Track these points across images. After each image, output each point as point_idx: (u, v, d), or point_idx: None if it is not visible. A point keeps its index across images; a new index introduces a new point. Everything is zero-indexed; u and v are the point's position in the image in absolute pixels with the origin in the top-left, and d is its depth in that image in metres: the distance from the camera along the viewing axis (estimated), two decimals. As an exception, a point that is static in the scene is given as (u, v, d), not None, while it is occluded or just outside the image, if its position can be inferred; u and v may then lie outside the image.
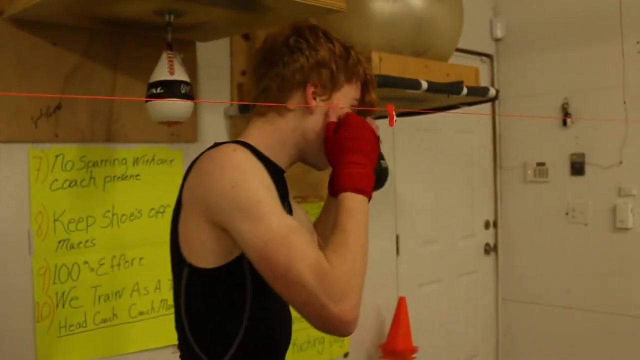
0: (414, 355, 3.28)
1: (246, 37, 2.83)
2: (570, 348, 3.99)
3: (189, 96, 2.02)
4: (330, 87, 1.48)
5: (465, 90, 2.49)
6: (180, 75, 2.01)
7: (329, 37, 1.51)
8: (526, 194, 4.16)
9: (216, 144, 1.42)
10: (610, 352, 3.81)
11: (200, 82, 2.67)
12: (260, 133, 1.49)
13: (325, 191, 3.15)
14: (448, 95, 2.46)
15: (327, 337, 3.17)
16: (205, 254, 1.35)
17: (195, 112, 2.62)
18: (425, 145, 3.78)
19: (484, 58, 4.26)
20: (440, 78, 2.48)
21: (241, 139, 1.49)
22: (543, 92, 4.05)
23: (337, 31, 2.51)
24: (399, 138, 3.61)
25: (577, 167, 3.91)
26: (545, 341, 4.13)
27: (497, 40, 4.27)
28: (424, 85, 2.32)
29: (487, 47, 4.25)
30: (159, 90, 1.97)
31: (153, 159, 2.52)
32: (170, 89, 1.97)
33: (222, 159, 1.32)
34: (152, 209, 2.51)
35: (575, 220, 3.94)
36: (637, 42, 3.73)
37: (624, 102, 3.76)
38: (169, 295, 2.53)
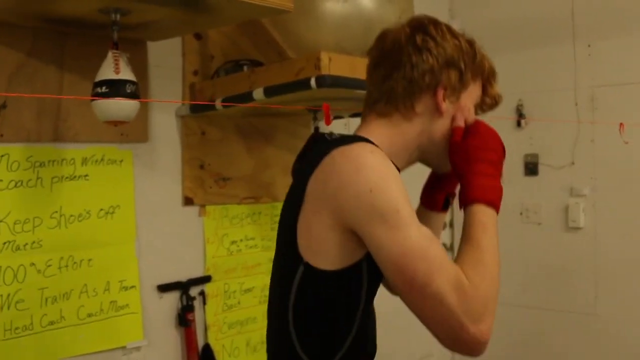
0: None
1: (198, 36, 2.82)
2: (524, 346, 4.04)
3: (135, 95, 2.00)
4: (459, 87, 1.42)
5: (414, 91, 2.50)
6: (125, 74, 1.99)
7: (453, 32, 1.43)
8: (482, 194, 4.19)
9: (342, 139, 1.33)
10: (564, 349, 3.88)
11: (151, 82, 2.65)
12: (384, 134, 1.41)
13: (278, 192, 3.17)
14: (398, 95, 2.47)
15: (281, 337, 3.17)
16: (327, 255, 1.27)
17: (145, 112, 2.61)
18: (381, 146, 3.80)
19: (440, 59, 4.28)
20: (391, 79, 2.49)
21: (364, 135, 1.39)
22: (498, 94, 4.09)
23: (286, 31, 2.54)
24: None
25: (531, 168, 3.97)
26: (500, 339, 4.16)
27: (453, 42, 4.30)
28: (373, 85, 2.33)
29: (444, 48, 4.28)
30: (104, 89, 1.95)
31: (102, 159, 2.50)
32: (115, 88, 1.95)
33: (359, 158, 1.24)
34: (102, 210, 2.49)
35: (529, 220, 4.00)
36: (589, 45, 3.79)
37: (576, 104, 3.82)
38: (118, 296, 2.51)
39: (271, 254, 3.09)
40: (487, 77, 1.49)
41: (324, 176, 1.26)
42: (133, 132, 2.54)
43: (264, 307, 3.11)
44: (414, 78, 1.37)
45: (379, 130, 1.41)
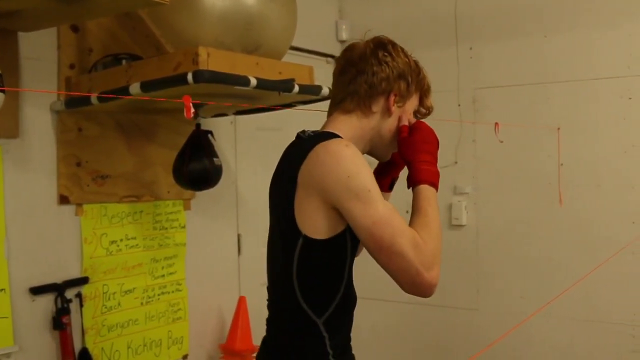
0: (254, 355, 3.26)
1: (75, 29, 2.71)
2: (413, 341, 4.13)
3: (-2, 87, 1.90)
4: (406, 95, 1.75)
5: (297, 88, 2.50)
6: (-13, 65, 1.88)
7: (405, 52, 1.77)
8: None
9: (322, 136, 1.67)
10: (447, 344, 3.98)
11: (23, 75, 2.54)
12: (346, 127, 1.74)
13: (161, 190, 3.10)
14: (279, 92, 2.46)
15: (164, 339, 3.11)
16: (318, 228, 1.61)
17: (16, 106, 2.49)
18: (269, 145, 3.77)
19: (330, 59, 4.32)
20: (273, 76, 2.48)
21: (331, 130, 1.73)
22: (385, 94, 4.16)
23: (166, 26, 2.48)
24: (241, 137, 3.60)
25: (416, 167, 4.04)
26: (391, 336, 4.25)
27: (342, 42, 4.35)
28: (253, 81, 2.30)
29: (333, 48, 4.32)
30: (-38, 80, 1.84)
31: (-31, 155, 2.36)
32: (-25, 79, 1.84)
33: (338, 152, 1.59)
34: (-33, 209, 2.35)
35: (415, 218, 4.07)
36: (470, 48, 3.91)
37: (459, 105, 3.94)
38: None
39: (153, 253, 3.06)
40: (425, 91, 1.83)
41: (310, 167, 1.60)
42: (3, 127, 2.42)
43: (146, 309, 3.05)
44: (373, 83, 1.71)
45: (342, 124, 1.74)
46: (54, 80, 2.67)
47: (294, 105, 2.85)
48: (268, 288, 1.82)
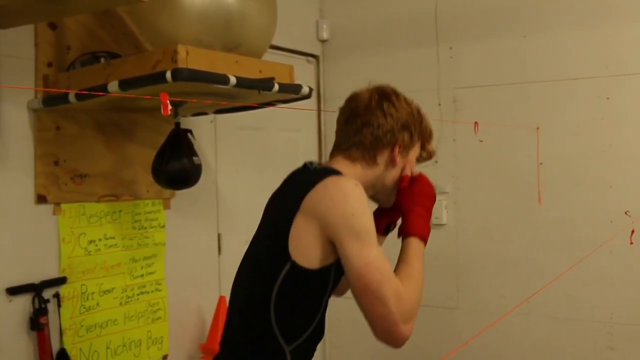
0: (234, 354, 3.26)
1: (53, 26, 2.69)
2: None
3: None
4: (409, 145, 1.80)
5: (276, 87, 2.50)
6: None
7: (407, 101, 1.82)
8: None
9: (333, 171, 1.72)
10: (426, 343, 3.99)
11: (0, 72, 2.51)
12: (350, 173, 1.76)
13: (141, 189, 3.09)
14: (259, 91, 2.45)
15: (144, 339, 3.09)
16: (310, 257, 1.62)
17: (-8, 104, 2.46)
18: (249, 144, 3.78)
19: (310, 58, 4.32)
20: (253, 74, 2.47)
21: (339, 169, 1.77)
22: (366, 93, 4.16)
23: (145, 24, 2.47)
24: (221, 136, 3.58)
25: (397, 166, 4.06)
26: (369, 334, 4.24)
27: (323, 41, 4.35)
28: (233, 80, 2.29)
29: (314, 47, 4.32)
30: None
31: (-58, 154, 2.33)
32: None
33: (347, 189, 1.63)
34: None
35: (395, 217, 4.08)
36: (450, 48, 3.93)
37: (439, 104, 3.95)
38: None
39: (132, 253, 3.03)
40: (427, 137, 1.87)
41: (318, 197, 1.62)
42: (-22, 125, 2.39)
43: (125, 309, 3.03)
44: (379, 136, 1.76)
45: (347, 170, 1.77)
46: (31, 78, 2.64)
47: (275, 104, 2.84)
48: (232, 306, 1.80)
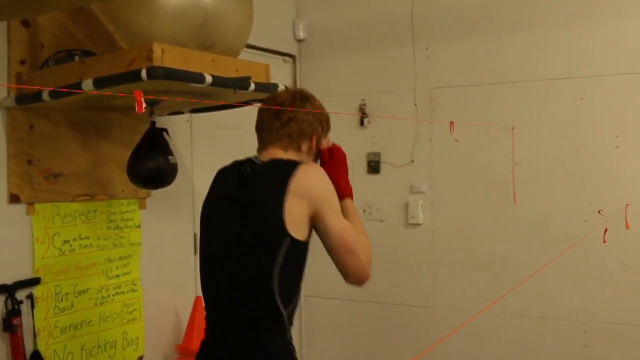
0: (210, 355, 3.24)
1: (26, 24, 2.66)
2: (367, 339, 4.14)
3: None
4: (322, 135, 2.23)
5: (253, 86, 2.49)
6: None
7: (318, 100, 2.25)
8: (327, 192, 4.26)
9: (293, 162, 2.09)
10: (403, 342, 4.00)
11: (-29, 70, 2.48)
12: (290, 157, 2.15)
13: (116, 189, 3.06)
14: (235, 90, 2.45)
15: (119, 340, 3.06)
16: (302, 230, 1.99)
17: (-37, 103, 2.42)
18: (225, 143, 3.76)
19: (287, 58, 4.32)
20: (229, 73, 2.46)
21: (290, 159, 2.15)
22: (342, 93, 4.18)
23: (120, 22, 2.44)
24: (197, 135, 3.57)
25: (373, 166, 4.07)
26: (345, 334, 4.26)
27: (299, 41, 4.35)
28: (208, 79, 2.28)
29: (290, 47, 4.31)
30: None
31: None
32: None
33: (321, 173, 2.06)
34: None
35: (372, 216, 4.10)
36: (427, 48, 3.95)
37: (415, 104, 3.96)
38: None
39: (107, 253, 3.01)
40: (329, 128, 2.30)
41: (304, 181, 2.00)
42: (-50, 124, 2.36)
43: (101, 309, 3.00)
44: (302, 128, 2.16)
45: (286, 157, 2.13)
46: (4, 76, 2.61)
47: (251, 103, 2.83)
48: (224, 289, 2.08)
